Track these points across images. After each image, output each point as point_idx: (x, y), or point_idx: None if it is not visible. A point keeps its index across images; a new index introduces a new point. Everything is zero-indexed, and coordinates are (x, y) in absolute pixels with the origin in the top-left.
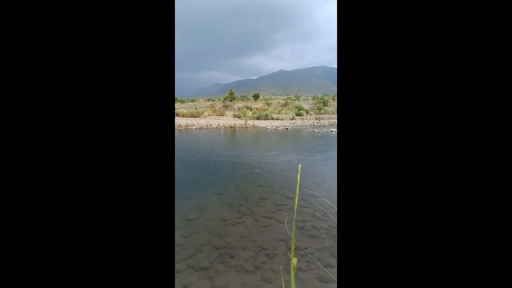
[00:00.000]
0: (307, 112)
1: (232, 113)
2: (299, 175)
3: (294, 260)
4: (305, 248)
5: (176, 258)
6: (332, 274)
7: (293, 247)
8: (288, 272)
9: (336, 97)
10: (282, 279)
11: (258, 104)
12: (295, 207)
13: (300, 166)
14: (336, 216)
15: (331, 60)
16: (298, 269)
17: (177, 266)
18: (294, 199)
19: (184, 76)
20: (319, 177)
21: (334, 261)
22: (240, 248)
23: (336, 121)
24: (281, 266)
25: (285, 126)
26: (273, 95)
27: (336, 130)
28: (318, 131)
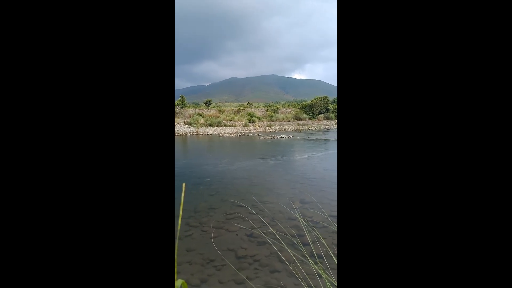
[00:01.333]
0: (259, 119)
1: (183, 120)
2: (183, 194)
3: (178, 283)
4: (252, 256)
5: None
6: (278, 279)
7: (175, 269)
8: (237, 282)
9: (285, 105)
10: None
11: (211, 111)
12: (178, 227)
13: (184, 184)
14: (285, 220)
15: (280, 69)
16: (246, 277)
17: None
18: (245, 206)
19: None
20: (270, 183)
21: (281, 266)
22: (187, 262)
23: (286, 127)
24: None
25: (238, 133)
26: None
27: (285, 136)
28: (269, 138)
